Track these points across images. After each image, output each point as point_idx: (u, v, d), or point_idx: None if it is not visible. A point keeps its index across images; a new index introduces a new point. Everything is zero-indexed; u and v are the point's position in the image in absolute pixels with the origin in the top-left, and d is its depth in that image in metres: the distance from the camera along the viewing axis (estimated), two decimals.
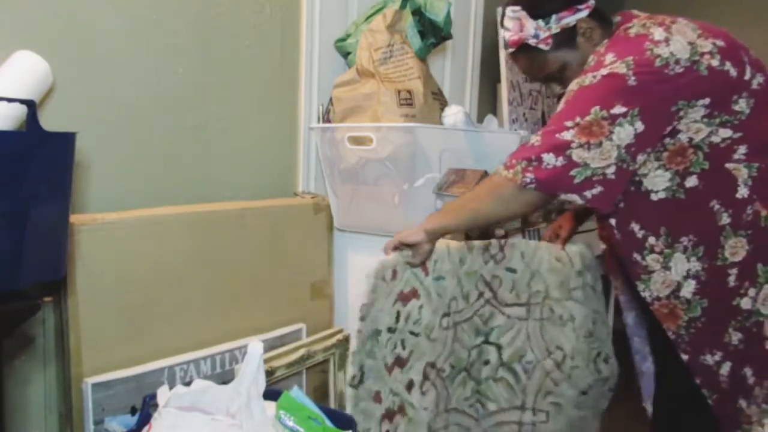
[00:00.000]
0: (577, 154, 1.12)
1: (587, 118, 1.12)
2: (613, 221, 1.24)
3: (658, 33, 1.14)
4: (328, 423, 1.23)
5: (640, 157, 1.15)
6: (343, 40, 1.79)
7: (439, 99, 1.72)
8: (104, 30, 1.34)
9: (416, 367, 1.34)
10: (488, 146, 1.74)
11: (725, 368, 1.20)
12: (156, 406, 1.11)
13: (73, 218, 1.20)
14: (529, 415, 1.50)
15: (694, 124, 1.15)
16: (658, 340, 1.38)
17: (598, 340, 1.53)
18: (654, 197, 1.19)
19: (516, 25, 1.27)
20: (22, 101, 0.97)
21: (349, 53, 1.78)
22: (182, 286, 1.38)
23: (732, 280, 1.17)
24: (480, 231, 1.46)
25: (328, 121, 1.76)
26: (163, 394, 1.12)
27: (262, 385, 1.12)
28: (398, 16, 1.70)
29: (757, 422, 1.21)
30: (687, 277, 1.20)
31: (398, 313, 1.32)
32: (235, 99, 1.61)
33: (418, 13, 1.73)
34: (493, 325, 1.45)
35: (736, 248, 1.16)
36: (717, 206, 1.16)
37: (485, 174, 1.51)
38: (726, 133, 1.15)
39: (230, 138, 1.61)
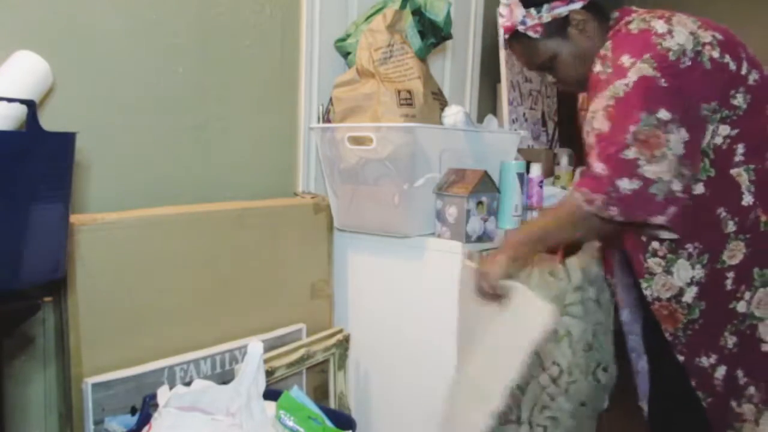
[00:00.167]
0: (648, 170, 1.09)
1: (640, 126, 1.09)
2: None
3: (659, 26, 1.15)
4: (328, 423, 1.23)
5: (685, 172, 1.12)
6: (343, 40, 1.79)
7: (439, 99, 1.72)
8: (104, 30, 1.34)
9: None
10: (488, 146, 1.74)
11: (720, 371, 1.21)
12: (156, 406, 1.11)
13: (73, 218, 1.19)
14: (526, 429, 1.47)
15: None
16: (653, 340, 1.39)
17: (599, 351, 1.52)
18: None
19: (508, 12, 1.29)
20: (22, 101, 0.97)
21: (349, 53, 1.78)
22: (182, 286, 1.38)
23: (729, 284, 1.18)
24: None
25: (328, 121, 1.76)
26: (163, 394, 1.12)
27: (262, 385, 1.12)
28: (398, 16, 1.70)
29: (752, 421, 1.21)
30: (691, 284, 1.19)
31: None
32: (235, 99, 1.61)
33: (418, 13, 1.73)
34: None
35: (734, 252, 1.17)
36: (724, 214, 1.16)
37: (485, 174, 1.51)
38: (725, 130, 1.15)
39: (230, 138, 1.61)
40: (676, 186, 1.10)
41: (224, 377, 1.39)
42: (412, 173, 1.53)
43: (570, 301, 1.47)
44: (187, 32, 1.48)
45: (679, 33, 1.14)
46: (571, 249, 1.52)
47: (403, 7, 1.71)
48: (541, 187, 1.80)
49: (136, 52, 1.40)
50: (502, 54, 2.27)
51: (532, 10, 1.26)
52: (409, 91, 1.62)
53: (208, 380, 1.24)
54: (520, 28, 1.29)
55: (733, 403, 1.22)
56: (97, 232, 1.24)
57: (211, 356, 1.39)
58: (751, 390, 1.21)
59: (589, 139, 1.18)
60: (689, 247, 1.19)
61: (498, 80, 2.34)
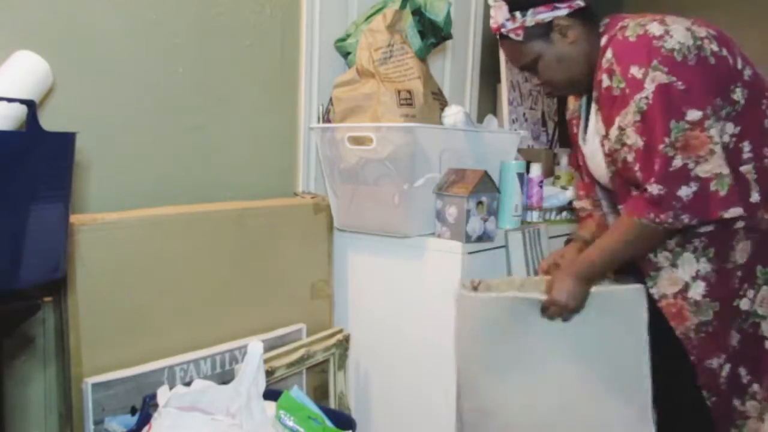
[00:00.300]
0: (701, 170, 1.10)
1: (674, 134, 1.10)
2: None
3: (655, 28, 1.16)
4: (328, 423, 1.23)
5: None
6: (343, 40, 1.79)
7: (439, 99, 1.72)
8: (104, 30, 1.34)
9: None
10: (488, 146, 1.74)
11: (725, 370, 1.22)
12: (156, 406, 1.11)
13: (73, 218, 1.20)
14: None
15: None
16: (656, 341, 1.39)
17: None
18: None
19: (494, 13, 1.32)
20: (22, 101, 0.97)
21: (349, 53, 1.78)
22: (182, 286, 1.38)
23: (736, 282, 1.19)
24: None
25: (328, 121, 1.76)
26: (163, 394, 1.12)
27: (262, 385, 1.12)
28: (398, 16, 1.70)
29: (756, 417, 1.22)
30: (696, 278, 1.20)
31: None
32: (235, 99, 1.61)
33: (418, 13, 1.73)
34: None
35: (743, 251, 1.18)
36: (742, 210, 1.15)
37: (485, 174, 1.51)
38: (730, 128, 1.16)
39: (230, 138, 1.61)
40: (732, 179, 1.11)
41: (224, 377, 1.39)
42: (412, 173, 1.53)
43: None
44: (187, 32, 1.49)
45: (675, 31, 1.15)
46: None
47: (403, 7, 1.71)
48: (541, 187, 1.80)
49: (136, 52, 1.40)
50: (502, 54, 2.27)
51: (517, 14, 1.29)
52: (409, 91, 1.62)
53: (208, 380, 1.24)
54: (503, 30, 1.31)
55: (736, 402, 1.23)
56: (97, 232, 1.24)
57: (211, 356, 1.39)
58: (755, 387, 1.22)
59: (625, 155, 1.19)
60: (696, 241, 1.20)
61: (498, 80, 2.34)
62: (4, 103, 0.99)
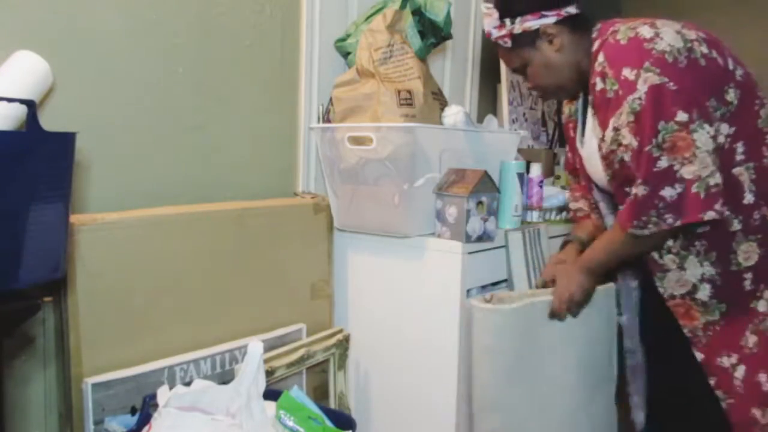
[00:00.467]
0: (686, 172, 1.12)
1: (662, 135, 1.12)
2: None
3: (646, 31, 1.17)
4: (328, 423, 1.23)
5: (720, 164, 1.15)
6: (343, 40, 1.79)
7: (439, 99, 1.72)
8: (104, 30, 1.34)
9: None
10: (488, 146, 1.74)
11: (740, 371, 1.21)
12: (156, 406, 1.11)
13: (73, 218, 1.19)
14: None
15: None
16: (658, 341, 1.40)
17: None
18: None
19: (486, 20, 1.37)
20: (22, 101, 0.97)
21: (349, 53, 1.78)
22: (182, 286, 1.38)
23: (747, 284, 1.19)
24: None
25: (328, 121, 1.76)
26: (163, 394, 1.12)
27: (262, 385, 1.12)
28: (398, 16, 1.70)
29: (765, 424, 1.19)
30: (702, 280, 1.21)
31: None
32: (235, 99, 1.61)
33: (418, 13, 1.73)
34: None
35: (748, 253, 1.18)
36: (727, 212, 1.17)
37: (485, 174, 1.51)
38: (725, 129, 1.16)
39: (230, 138, 1.61)
40: (718, 179, 1.12)
41: (224, 377, 1.39)
42: (412, 173, 1.53)
43: None
44: (187, 32, 1.49)
45: (666, 33, 1.16)
46: None
47: (403, 7, 1.71)
48: (541, 187, 1.80)
49: (136, 52, 1.40)
50: None
51: (506, 21, 1.33)
52: (409, 91, 1.62)
53: (208, 380, 1.24)
54: (491, 37, 1.37)
55: (757, 412, 1.20)
56: (97, 232, 1.24)
57: (211, 356, 1.39)
58: None
59: (622, 155, 1.21)
60: (697, 244, 1.21)
61: (498, 80, 2.35)
62: (4, 103, 0.99)
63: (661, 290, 1.28)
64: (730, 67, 1.18)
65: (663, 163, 1.13)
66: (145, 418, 1.14)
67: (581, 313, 1.42)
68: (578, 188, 1.55)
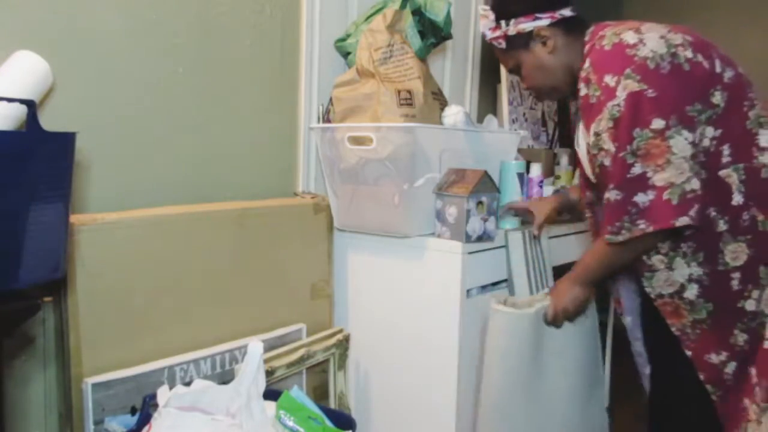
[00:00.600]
0: (658, 179, 1.13)
1: (636, 143, 1.14)
2: None
3: (630, 37, 1.19)
4: (328, 423, 1.23)
5: (700, 169, 1.16)
6: (343, 40, 1.79)
7: (439, 99, 1.72)
8: (104, 30, 1.34)
9: None
10: (488, 146, 1.74)
11: (730, 367, 1.23)
12: (156, 406, 1.11)
13: (73, 218, 1.20)
14: None
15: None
16: (653, 340, 1.41)
17: None
18: None
19: (482, 22, 1.40)
20: (22, 101, 0.97)
21: (349, 53, 1.78)
22: (182, 286, 1.38)
23: (735, 284, 1.20)
24: None
25: (328, 121, 1.76)
26: (163, 394, 1.12)
27: (262, 385, 1.12)
28: (398, 16, 1.70)
29: (755, 420, 1.22)
30: (690, 280, 1.22)
31: None
32: (235, 99, 1.61)
33: (418, 13, 1.73)
34: None
35: (736, 253, 1.19)
36: (714, 214, 1.19)
37: (485, 174, 1.51)
38: (710, 132, 1.17)
39: (230, 138, 1.61)
40: (695, 185, 1.13)
41: (224, 377, 1.39)
42: (412, 173, 1.53)
43: None
44: (187, 32, 1.49)
45: (649, 39, 1.17)
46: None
47: (403, 7, 1.71)
48: (541, 187, 1.80)
49: (136, 52, 1.40)
50: None
51: (501, 23, 1.35)
52: (409, 91, 1.62)
53: (208, 380, 1.24)
54: (486, 39, 1.40)
55: (747, 401, 1.23)
56: (97, 232, 1.24)
57: (211, 356, 1.39)
58: (756, 390, 1.22)
59: (602, 159, 1.23)
60: (683, 246, 1.22)
61: (498, 80, 2.35)
62: (4, 103, 0.99)
63: (648, 290, 1.29)
64: (718, 69, 1.19)
65: (636, 169, 1.15)
66: (145, 418, 1.14)
67: (574, 325, 1.49)
68: (579, 183, 1.56)
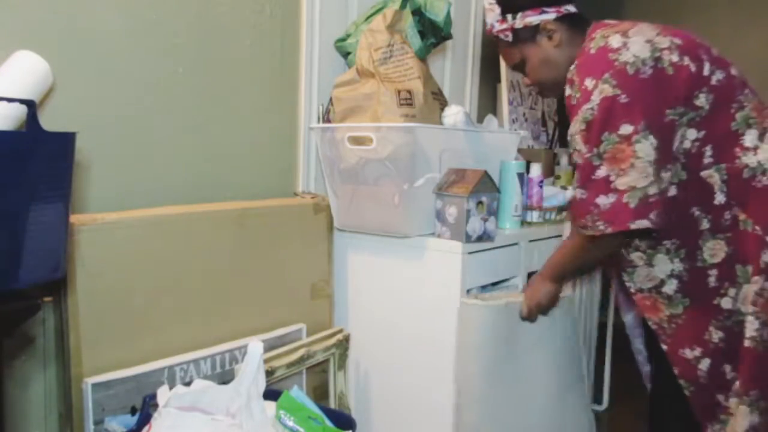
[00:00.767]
0: (620, 183, 1.17)
1: (603, 146, 1.17)
2: None
3: (615, 40, 1.21)
4: (328, 423, 1.23)
5: (664, 174, 1.20)
6: (343, 40, 1.79)
7: (439, 99, 1.72)
8: (104, 30, 1.34)
9: None
10: (488, 146, 1.74)
11: (704, 364, 1.26)
12: (156, 406, 1.11)
13: (73, 218, 1.20)
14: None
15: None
16: (653, 338, 1.42)
17: None
18: None
19: (487, 15, 1.40)
20: (22, 101, 0.97)
21: (349, 53, 1.78)
22: (182, 286, 1.38)
23: (712, 281, 1.23)
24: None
25: (328, 121, 1.76)
26: (163, 394, 1.12)
27: (262, 385, 1.12)
28: (398, 16, 1.70)
29: (734, 414, 1.24)
30: (670, 276, 1.26)
31: None
32: (235, 99, 1.61)
33: (418, 13, 1.73)
34: None
35: (714, 250, 1.22)
36: (698, 212, 1.22)
37: (485, 174, 1.51)
38: (692, 134, 1.20)
39: (230, 138, 1.61)
40: (654, 189, 1.16)
41: (224, 377, 1.39)
42: (412, 173, 1.53)
43: None
44: (187, 32, 1.49)
45: (634, 43, 1.19)
46: None
47: (403, 7, 1.71)
48: (541, 187, 1.80)
49: (136, 52, 1.40)
50: None
51: (508, 16, 1.36)
52: (409, 91, 1.62)
53: (208, 380, 1.24)
54: (493, 31, 1.39)
55: (720, 397, 1.26)
56: (97, 232, 1.24)
57: (211, 356, 1.39)
58: (737, 385, 1.24)
59: (577, 160, 1.27)
60: (667, 243, 1.25)
61: (498, 80, 2.35)
62: (4, 103, 0.99)
63: (629, 284, 1.32)
64: (706, 72, 1.20)
65: (601, 172, 1.18)
66: (145, 418, 1.14)
67: (551, 319, 1.54)
68: None
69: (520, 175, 1.71)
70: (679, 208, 1.23)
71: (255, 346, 1.13)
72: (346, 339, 1.63)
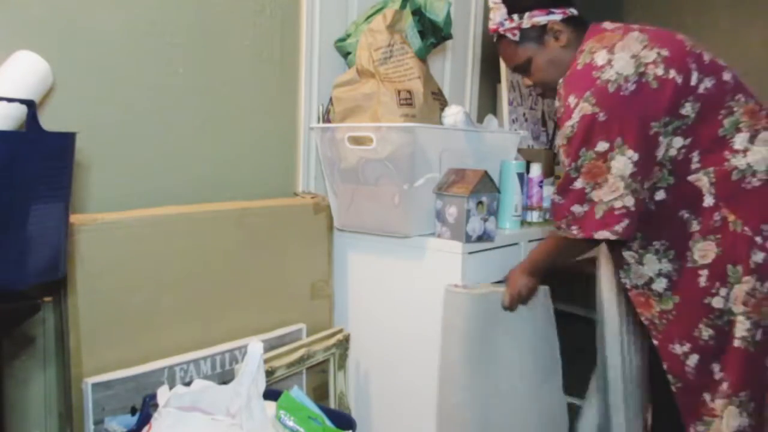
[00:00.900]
0: (594, 195, 1.25)
1: (580, 161, 1.24)
2: None
3: (600, 57, 1.24)
4: (328, 423, 1.23)
5: (646, 184, 1.25)
6: (343, 40, 1.79)
7: (439, 99, 1.72)
8: (104, 30, 1.34)
9: None
10: (488, 146, 1.74)
11: (692, 360, 1.28)
12: (156, 406, 1.11)
13: (73, 218, 1.20)
14: None
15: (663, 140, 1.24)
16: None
17: None
18: None
19: (493, 15, 1.42)
20: (22, 101, 0.97)
21: (349, 53, 1.78)
22: (182, 286, 1.38)
23: (703, 281, 1.26)
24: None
25: (328, 121, 1.76)
26: (163, 394, 1.12)
27: (262, 385, 1.12)
28: (398, 16, 1.70)
29: (720, 416, 1.26)
30: (659, 275, 1.31)
31: None
32: (235, 99, 1.61)
33: (418, 13, 1.73)
34: None
35: (705, 251, 1.25)
36: (687, 215, 1.26)
37: (485, 174, 1.51)
38: (678, 142, 1.24)
39: (230, 138, 1.61)
40: (628, 201, 1.23)
41: (224, 377, 1.39)
42: (412, 173, 1.53)
43: None
44: (187, 32, 1.49)
45: (618, 60, 1.22)
46: None
47: (403, 7, 1.71)
48: (541, 187, 1.80)
49: (136, 52, 1.40)
50: None
51: (515, 16, 1.38)
52: (409, 91, 1.62)
53: (208, 380, 1.24)
54: (500, 29, 1.40)
55: (707, 396, 1.28)
56: (97, 232, 1.24)
57: (211, 356, 1.39)
58: (725, 386, 1.25)
59: (562, 169, 1.34)
60: (656, 244, 1.30)
61: (498, 80, 2.35)
62: (4, 103, 0.99)
63: (624, 281, 1.39)
64: (693, 82, 1.23)
65: (578, 184, 1.26)
66: (145, 418, 1.14)
67: (528, 310, 1.60)
68: None
69: (520, 175, 1.71)
70: (667, 211, 1.27)
71: (255, 346, 1.13)
72: (346, 339, 1.63)
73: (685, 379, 1.30)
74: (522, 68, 1.44)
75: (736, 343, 1.22)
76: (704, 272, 1.25)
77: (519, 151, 1.91)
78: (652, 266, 1.32)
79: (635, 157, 1.21)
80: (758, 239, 1.21)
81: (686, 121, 1.23)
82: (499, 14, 1.40)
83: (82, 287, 1.21)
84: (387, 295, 1.64)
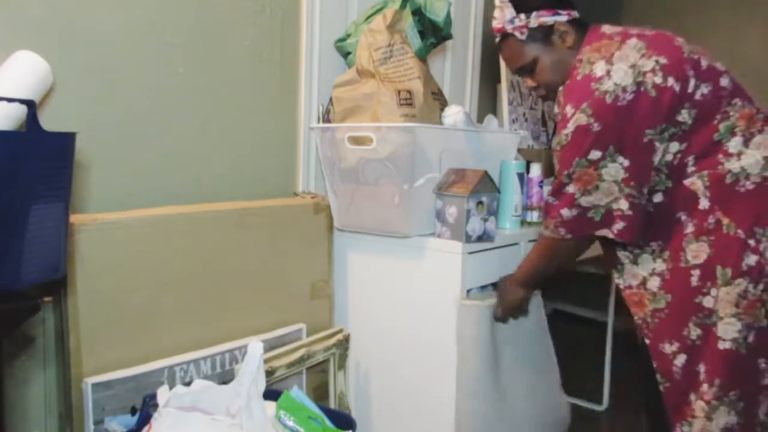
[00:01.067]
0: (584, 201, 1.28)
1: (573, 169, 1.27)
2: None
3: (599, 68, 1.26)
4: (328, 423, 1.23)
5: (645, 189, 1.27)
6: (343, 40, 1.79)
7: (439, 99, 1.72)
8: (104, 30, 1.34)
9: None
10: (488, 146, 1.74)
11: (680, 359, 1.30)
12: (156, 406, 1.11)
13: (73, 218, 1.20)
14: None
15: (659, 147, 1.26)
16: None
17: None
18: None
19: (499, 13, 1.42)
20: (22, 101, 0.97)
21: (349, 53, 1.78)
22: (182, 286, 1.38)
23: (695, 280, 1.27)
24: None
25: (328, 121, 1.76)
26: (163, 394, 1.12)
27: (262, 385, 1.12)
28: (398, 16, 1.70)
29: (705, 417, 1.27)
30: (652, 274, 1.33)
31: None
32: (235, 99, 1.61)
33: (418, 13, 1.73)
34: None
35: (697, 252, 1.27)
36: (683, 217, 1.28)
37: (485, 174, 1.51)
38: (675, 147, 1.26)
39: (230, 138, 1.61)
40: (623, 205, 1.26)
41: (224, 377, 1.39)
42: (412, 173, 1.53)
43: None
44: (187, 32, 1.49)
45: (617, 71, 1.24)
46: None
47: (403, 7, 1.71)
48: (541, 187, 1.80)
49: (136, 52, 1.40)
50: None
51: (522, 15, 1.38)
52: (409, 91, 1.62)
53: (208, 380, 1.24)
54: (508, 27, 1.40)
55: (692, 396, 1.29)
56: (97, 232, 1.24)
57: (211, 356, 1.39)
58: (705, 387, 1.26)
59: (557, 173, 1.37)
60: (653, 245, 1.32)
61: (498, 80, 2.34)
62: (4, 103, 0.99)
63: (618, 281, 1.40)
64: (690, 89, 1.24)
65: (569, 189, 1.29)
66: (145, 418, 1.14)
67: (522, 317, 1.64)
68: None
69: (520, 175, 1.71)
70: (665, 213, 1.30)
71: (255, 346, 1.13)
72: (346, 339, 1.63)
73: (672, 379, 1.31)
74: (527, 69, 1.44)
75: (728, 344, 1.23)
76: (696, 272, 1.26)
77: (519, 151, 1.91)
78: (647, 266, 1.33)
79: (626, 163, 1.24)
80: (751, 242, 1.22)
81: (683, 127, 1.25)
82: (503, 14, 1.40)
83: (82, 287, 1.21)
84: (387, 295, 1.64)
